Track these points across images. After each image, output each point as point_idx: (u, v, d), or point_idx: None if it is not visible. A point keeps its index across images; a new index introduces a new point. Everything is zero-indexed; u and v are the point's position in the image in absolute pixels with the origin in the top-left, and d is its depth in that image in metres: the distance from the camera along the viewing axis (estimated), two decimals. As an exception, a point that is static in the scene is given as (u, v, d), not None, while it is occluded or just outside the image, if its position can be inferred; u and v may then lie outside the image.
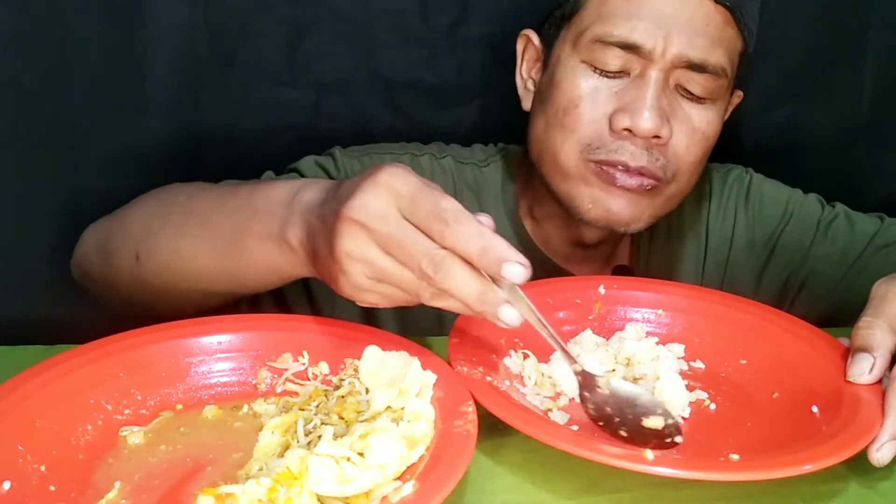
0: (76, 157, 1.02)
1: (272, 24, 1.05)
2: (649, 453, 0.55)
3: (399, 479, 0.52)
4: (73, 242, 0.98)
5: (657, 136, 0.82)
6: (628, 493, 0.57)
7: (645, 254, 1.00)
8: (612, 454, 0.55)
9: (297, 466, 0.50)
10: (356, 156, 0.97)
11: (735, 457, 0.57)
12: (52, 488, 0.54)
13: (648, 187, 0.84)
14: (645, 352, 0.73)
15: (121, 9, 0.98)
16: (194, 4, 1.00)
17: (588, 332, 0.77)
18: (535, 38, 0.93)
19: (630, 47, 0.82)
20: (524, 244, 0.97)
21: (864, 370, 0.63)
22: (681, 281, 0.99)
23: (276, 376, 0.68)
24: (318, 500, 0.50)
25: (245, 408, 0.65)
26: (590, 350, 0.74)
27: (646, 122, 0.80)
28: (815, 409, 0.65)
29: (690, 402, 0.69)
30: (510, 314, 0.55)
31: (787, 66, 1.15)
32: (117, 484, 0.55)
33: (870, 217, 1.00)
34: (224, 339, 0.69)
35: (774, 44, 1.14)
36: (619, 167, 0.83)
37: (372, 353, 0.64)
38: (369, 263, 0.57)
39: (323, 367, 0.68)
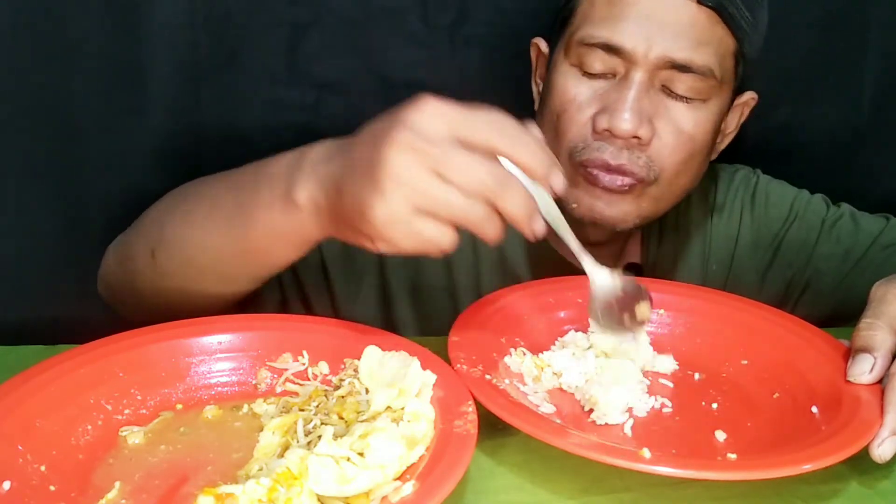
0: (76, 157, 1.01)
1: (272, 24, 1.05)
2: (646, 451, 0.55)
3: (399, 479, 0.52)
4: (73, 242, 0.99)
5: (637, 137, 0.82)
6: (629, 493, 0.57)
7: (654, 252, 1.01)
8: (609, 453, 0.55)
9: (297, 466, 0.50)
10: None
11: (732, 456, 0.57)
12: (52, 488, 0.54)
13: (627, 187, 0.85)
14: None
15: (121, 9, 0.98)
16: (194, 4, 1.00)
17: (579, 334, 0.76)
18: (544, 45, 0.95)
19: (612, 49, 0.82)
20: (538, 243, 0.97)
21: (864, 370, 0.64)
22: (686, 279, 0.99)
23: (276, 376, 0.68)
24: (318, 500, 0.50)
25: (245, 408, 0.65)
26: (579, 354, 0.73)
27: (624, 122, 0.81)
28: (814, 409, 0.65)
29: (692, 402, 0.69)
30: (541, 225, 0.59)
31: (787, 66, 1.15)
32: (117, 484, 0.55)
33: (876, 217, 1.01)
34: (224, 339, 0.69)
35: (774, 44, 1.13)
36: (601, 167, 0.84)
37: (371, 353, 0.64)
38: (416, 186, 0.54)
39: (323, 367, 0.68)
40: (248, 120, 1.07)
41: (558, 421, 0.65)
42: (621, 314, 0.69)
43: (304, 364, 0.69)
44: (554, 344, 0.75)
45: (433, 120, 0.55)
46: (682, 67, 0.82)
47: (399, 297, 0.98)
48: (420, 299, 0.99)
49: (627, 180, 0.85)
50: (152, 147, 1.04)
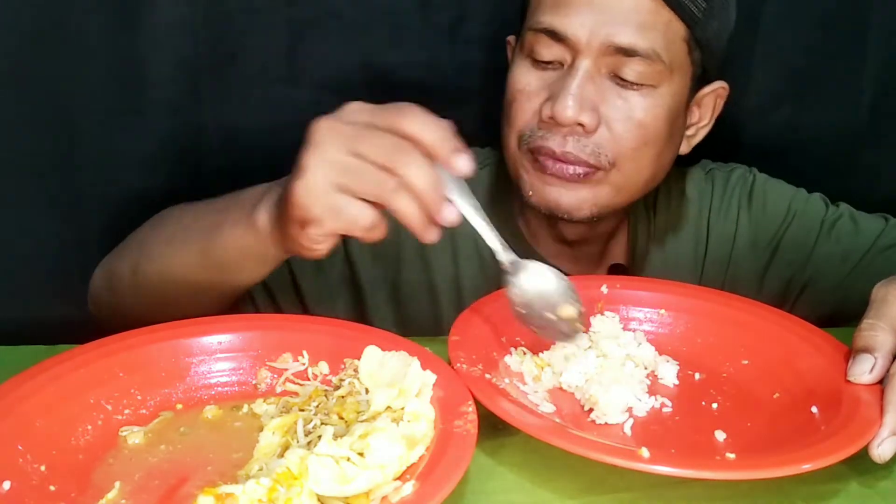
0: (76, 157, 1.02)
1: (272, 24, 1.05)
2: (645, 451, 0.55)
3: (399, 479, 0.52)
4: (74, 242, 0.99)
5: (581, 124, 0.82)
6: (628, 493, 0.57)
7: (642, 252, 1.00)
8: (608, 452, 0.55)
9: (297, 466, 0.50)
10: None
11: (731, 456, 0.57)
12: (52, 488, 0.54)
13: (581, 174, 0.85)
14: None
15: (121, 9, 0.98)
16: (194, 4, 1.00)
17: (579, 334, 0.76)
18: (514, 43, 0.95)
19: (556, 36, 0.83)
20: (518, 243, 0.98)
21: (864, 370, 0.64)
22: (679, 280, 0.99)
23: (276, 376, 0.68)
24: (318, 500, 0.50)
25: (245, 408, 0.65)
26: (579, 353, 0.73)
27: (567, 109, 0.81)
28: (814, 409, 0.65)
29: (692, 402, 0.69)
30: (452, 211, 0.61)
31: (787, 66, 1.15)
32: (117, 484, 0.55)
33: (874, 217, 1.00)
34: (224, 339, 0.69)
35: (774, 44, 1.13)
36: (548, 154, 0.85)
37: (371, 353, 0.64)
38: (333, 163, 0.60)
39: (323, 367, 0.68)
40: (248, 120, 1.07)
41: (558, 420, 0.65)
42: (542, 312, 0.69)
43: (304, 364, 0.69)
44: (554, 343, 0.75)
45: (353, 111, 0.62)
46: (627, 52, 0.81)
47: (375, 302, 0.99)
48: (399, 301, 1.00)
49: (580, 169, 0.85)
50: (152, 147, 1.04)
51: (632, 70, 0.82)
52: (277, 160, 1.08)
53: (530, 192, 0.88)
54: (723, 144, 1.06)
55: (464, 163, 0.60)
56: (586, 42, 0.82)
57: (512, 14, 0.99)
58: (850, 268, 0.96)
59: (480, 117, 1.12)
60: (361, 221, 0.60)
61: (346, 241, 0.97)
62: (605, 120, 0.84)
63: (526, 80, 0.86)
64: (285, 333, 0.70)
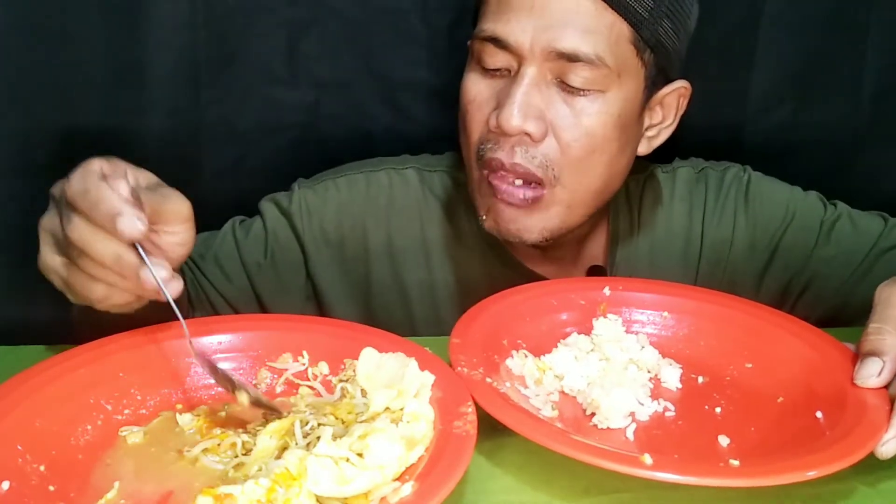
0: (76, 157, 1.01)
1: (272, 24, 1.05)
2: (647, 458, 0.54)
3: (398, 479, 0.52)
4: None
5: (527, 133, 0.80)
6: (628, 494, 0.57)
7: (624, 254, 0.98)
8: (611, 458, 0.55)
9: (296, 467, 0.50)
10: (311, 185, 0.99)
11: (735, 462, 0.57)
12: (51, 488, 0.54)
13: (530, 200, 0.83)
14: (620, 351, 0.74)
15: (121, 9, 0.98)
16: (194, 4, 1.00)
17: (581, 336, 0.76)
18: None
19: (500, 43, 0.81)
20: (493, 247, 0.97)
21: (872, 373, 0.63)
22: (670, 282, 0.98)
23: (276, 376, 0.68)
24: (317, 500, 0.50)
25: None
26: (581, 357, 0.73)
27: (512, 118, 0.79)
28: (819, 414, 0.64)
29: (695, 406, 0.69)
30: (150, 277, 0.57)
31: (788, 66, 1.15)
32: (116, 484, 0.55)
33: (872, 217, 0.99)
34: (224, 339, 0.70)
35: (774, 44, 1.13)
36: (498, 167, 0.83)
37: (368, 355, 0.64)
38: (54, 233, 0.62)
39: (323, 367, 0.68)
40: (248, 120, 1.07)
41: (560, 425, 0.64)
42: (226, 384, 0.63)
43: (304, 364, 0.69)
44: (556, 346, 0.75)
45: (62, 186, 0.61)
46: (570, 57, 0.79)
47: (348, 311, 0.99)
48: (371, 305, 0.99)
49: (529, 192, 0.83)
50: (152, 147, 1.04)
51: (577, 76, 0.80)
52: (277, 160, 1.09)
53: (483, 217, 0.87)
54: (723, 144, 1.06)
55: (128, 225, 0.56)
56: (529, 48, 0.79)
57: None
58: (850, 270, 0.95)
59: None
60: (86, 295, 0.61)
61: (305, 257, 0.98)
62: (552, 128, 0.81)
63: (476, 89, 0.84)
64: (285, 334, 0.70)
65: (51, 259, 0.62)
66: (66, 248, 0.60)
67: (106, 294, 0.60)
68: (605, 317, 0.78)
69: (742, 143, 1.17)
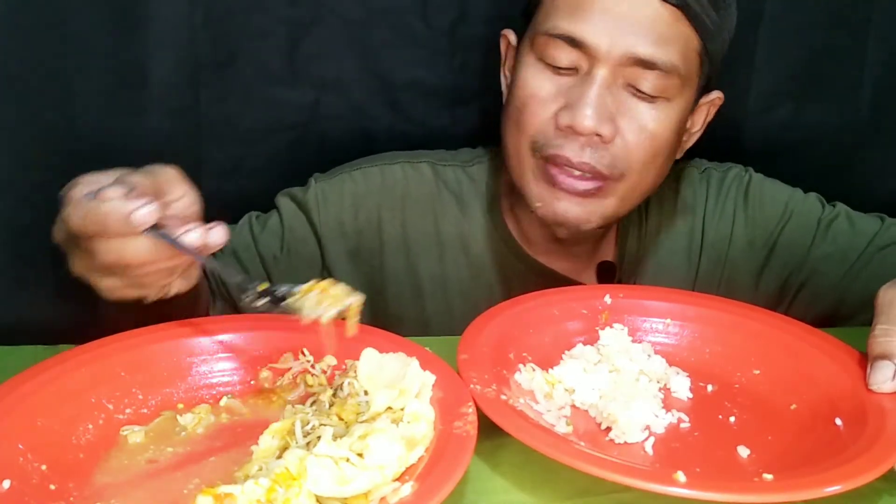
0: (76, 157, 1.01)
1: (272, 24, 1.04)
2: (681, 475, 0.53)
3: (398, 479, 0.52)
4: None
5: (598, 135, 0.82)
6: (628, 493, 0.57)
7: (633, 250, 1.00)
8: (642, 477, 0.54)
9: (296, 467, 0.50)
10: (327, 178, 1.00)
11: (769, 476, 0.55)
12: (52, 487, 0.54)
13: (593, 190, 0.85)
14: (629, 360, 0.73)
15: (121, 9, 0.98)
16: (194, 4, 1.00)
17: (588, 347, 0.75)
18: (513, 37, 0.94)
19: (575, 43, 0.82)
20: (506, 241, 0.98)
21: (886, 377, 0.63)
22: (669, 279, 0.98)
23: (277, 376, 0.68)
24: (317, 500, 0.50)
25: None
26: (590, 368, 0.71)
27: (586, 119, 0.81)
28: (838, 421, 0.63)
29: (708, 416, 0.68)
30: (191, 239, 0.59)
31: (787, 66, 1.15)
32: (117, 483, 0.55)
33: (870, 217, 1.00)
34: (225, 338, 0.70)
35: (774, 44, 1.13)
36: (563, 163, 0.84)
37: (369, 355, 0.64)
38: (89, 274, 0.63)
39: (330, 360, 0.68)
40: (248, 120, 1.07)
41: (582, 443, 0.62)
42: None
43: (308, 361, 0.69)
44: (562, 358, 0.73)
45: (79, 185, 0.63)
46: (646, 64, 0.81)
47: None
48: (385, 298, 0.99)
49: (590, 185, 0.84)
50: (152, 147, 1.04)
51: (649, 82, 0.82)
52: (277, 160, 1.09)
53: (538, 204, 0.87)
54: (723, 144, 1.06)
55: (142, 214, 0.58)
56: (606, 51, 0.81)
57: (512, 14, 0.99)
58: (846, 268, 0.96)
59: (480, 117, 1.13)
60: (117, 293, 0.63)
61: (321, 250, 0.98)
62: (619, 131, 0.83)
63: (538, 85, 0.85)
64: (286, 333, 0.70)
65: (107, 292, 0.64)
66: (110, 275, 0.61)
67: (163, 282, 0.62)
68: (610, 326, 0.77)
69: (742, 142, 1.17)
